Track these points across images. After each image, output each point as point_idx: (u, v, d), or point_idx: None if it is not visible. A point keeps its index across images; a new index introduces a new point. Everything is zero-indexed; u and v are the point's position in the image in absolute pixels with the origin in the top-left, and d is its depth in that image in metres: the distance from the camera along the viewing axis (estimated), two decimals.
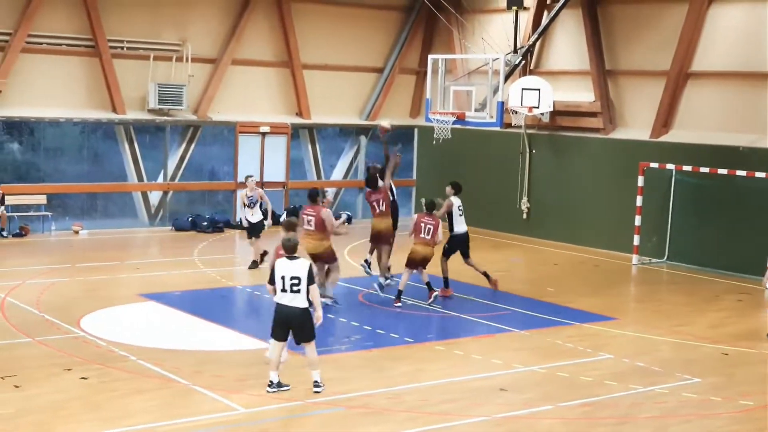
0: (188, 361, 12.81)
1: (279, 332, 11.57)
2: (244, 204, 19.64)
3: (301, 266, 11.40)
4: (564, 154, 24.85)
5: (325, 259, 16.23)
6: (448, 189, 17.97)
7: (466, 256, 18.07)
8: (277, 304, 11.51)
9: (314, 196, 16.42)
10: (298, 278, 11.31)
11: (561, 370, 13.13)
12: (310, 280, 11.38)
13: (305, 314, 11.46)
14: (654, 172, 21.83)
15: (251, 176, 20.03)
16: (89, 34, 23.44)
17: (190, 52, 24.63)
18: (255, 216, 19.60)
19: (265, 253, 19.02)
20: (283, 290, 11.38)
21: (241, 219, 20.35)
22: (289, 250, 11.49)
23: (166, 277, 18.30)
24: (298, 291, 11.31)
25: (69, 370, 12.21)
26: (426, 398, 11.69)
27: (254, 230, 19.63)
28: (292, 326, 11.50)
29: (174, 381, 11.96)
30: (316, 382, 11.58)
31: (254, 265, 19.58)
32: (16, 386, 11.50)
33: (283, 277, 11.35)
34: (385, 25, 28.01)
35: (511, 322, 15.89)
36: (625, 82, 23.96)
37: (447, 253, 17.83)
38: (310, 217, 16.15)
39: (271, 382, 11.63)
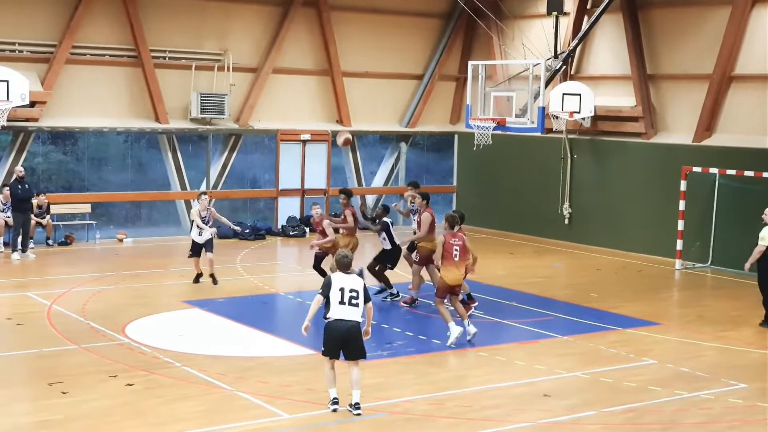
0: (232, 368, 12.90)
1: (334, 349, 11.29)
2: (196, 224, 18.33)
3: (358, 281, 11.31)
4: (606, 159, 24.72)
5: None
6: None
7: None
8: (332, 320, 11.21)
9: (461, 219, 15.32)
10: (357, 291, 11.20)
11: (604, 375, 13.05)
12: (367, 296, 11.32)
13: (359, 329, 11.31)
14: (697, 177, 21.65)
15: (204, 194, 18.87)
16: (132, 45, 23.72)
17: (232, 62, 24.83)
18: (204, 236, 18.27)
19: (198, 275, 18.60)
20: (341, 302, 11.15)
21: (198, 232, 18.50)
22: (345, 267, 11.35)
23: (210, 284, 18.43)
24: (357, 305, 11.19)
25: (115, 376, 12.35)
26: (469, 404, 11.68)
27: (200, 247, 18.36)
28: (347, 341, 11.22)
29: (218, 387, 12.05)
30: (357, 404, 11.18)
31: (197, 279, 18.61)
32: (63, 392, 11.66)
33: (342, 289, 11.16)
34: (425, 32, 28.05)
35: (554, 327, 15.82)
36: (667, 87, 23.79)
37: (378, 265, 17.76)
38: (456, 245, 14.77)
39: (335, 399, 11.30)
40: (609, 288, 19.56)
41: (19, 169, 21.63)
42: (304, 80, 26.51)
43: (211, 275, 18.44)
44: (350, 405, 11.21)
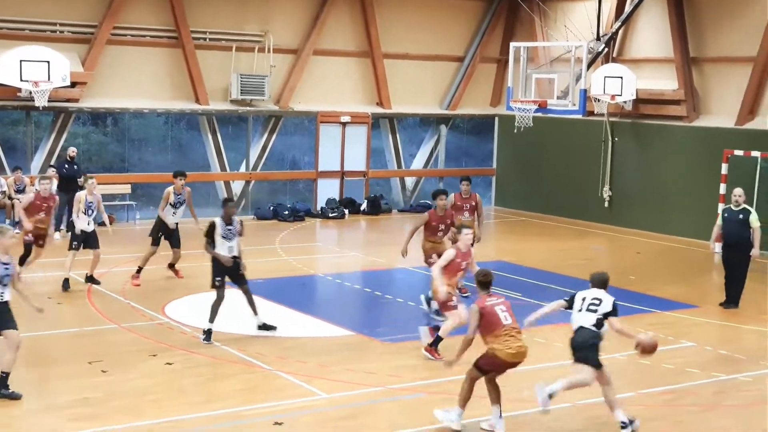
0: (271, 348, 12.97)
1: (597, 361, 10.24)
2: (81, 210, 16.37)
3: (605, 294, 10.55)
4: (647, 142, 24.50)
5: None
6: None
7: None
8: (577, 328, 10.40)
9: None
10: (600, 300, 10.45)
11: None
12: (616, 310, 10.33)
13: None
14: (739, 160, 21.37)
15: (92, 178, 16.90)
16: (173, 26, 23.81)
17: (272, 43, 24.85)
18: (90, 225, 16.49)
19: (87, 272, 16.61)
20: (580, 310, 10.50)
21: (73, 223, 16.51)
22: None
23: (249, 264, 18.38)
24: (594, 311, 10.42)
25: (154, 356, 12.45)
26: (507, 384, 11.63)
27: (90, 240, 16.47)
28: (590, 350, 10.27)
29: (258, 366, 12.13)
30: (623, 422, 10.09)
31: (91, 279, 16.44)
32: (104, 371, 11.78)
33: (584, 299, 10.53)
34: (466, 14, 27.89)
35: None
36: (710, 69, 23.51)
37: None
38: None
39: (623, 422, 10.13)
40: (648, 271, 19.41)
41: (71, 149, 21.82)
42: (345, 62, 26.48)
43: (90, 276, 16.39)
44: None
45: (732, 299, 16.28)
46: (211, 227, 13.44)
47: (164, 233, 17.00)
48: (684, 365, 12.59)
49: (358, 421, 10.41)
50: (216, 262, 13.48)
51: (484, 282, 10.52)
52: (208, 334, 13.13)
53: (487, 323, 10.21)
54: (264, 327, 13.75)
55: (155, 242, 16.90)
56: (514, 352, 10.19)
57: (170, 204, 16.86)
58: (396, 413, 10.70)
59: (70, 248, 16.19)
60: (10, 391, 10.65)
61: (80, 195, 16.47)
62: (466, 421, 10.24)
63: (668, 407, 11.06)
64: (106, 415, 10.30)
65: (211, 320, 13.18)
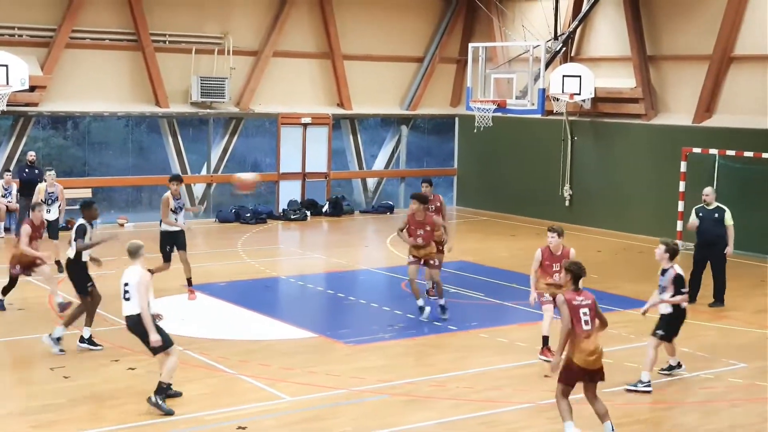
0: (234, 351, 12.95)
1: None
2: (42, 201, 17.14)
3: None
4: (606, 141, 24.72)
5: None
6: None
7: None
8: None
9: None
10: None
11: (605, 356, 13.02)
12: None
13: None
14: (697, 158, 21.62)
15: (51, 170, 18.01)
16: (132, 29, 23.68)
17: (232, 45, 24.80)
18: (52, 214, 17.46)
19: (58, 262, 16.88)
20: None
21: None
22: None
23: (211, 267, 18.47)
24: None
25: (116, 361, 12.40)
26: (470, 385, 11.73)
27: (51, 229, 17.20)
28: None
29: (220, 370, 12.11)
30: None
31: (60, 267, 16.67)
32: (66, 377, 11.71)
33: None
34: (425, 15, 27.99)
35: (555, 309, 15.81)
36: (667, 68, 23.76)
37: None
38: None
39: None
40: (610, 269, 19.57)
41: (30, 153, 21.67)
42: (305, 63, 26.47)
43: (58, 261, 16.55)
44: None
45: (718, 298, 16.39)
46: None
47: (174, 244, 16.01)
48: None
49: (322, 424, 10.43)
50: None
51: (578, 275, 10.02)
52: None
53: (571, 321, 9.86)
54: None
55: (167, 258, 15.97)
56: (587, 357, 9.83)
57: (171, 210, 16.07)
58: (360, 415, 10.73)
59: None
60: None
61: (40, 186, 17.44)
62: None
63: (631, 405, 11.19)
64: (68, 422, 10.24)
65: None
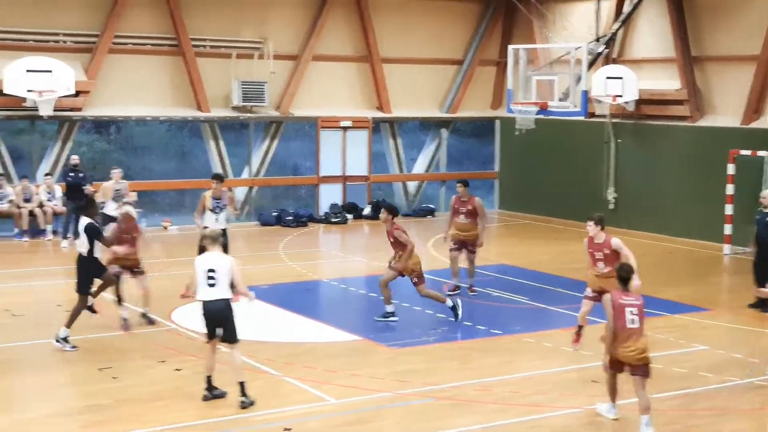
0: (279, 353, 12.94)
1: None
2: (110, 197, 18.32)
3: None
4: (650, 143, 24.46)
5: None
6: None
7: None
8: None
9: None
10: None
11: (653, 361, 12.83)
12: None
13: None
14: (745, 160, 21.31)
15: (117, 168, 19.27)
16: (173, 34, 23.81)
17: (272, 50, 24.84)
18: (116, 210, 16.95)
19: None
20: None
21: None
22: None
23: (253, 270, 18.48)
24: None
25: (163, 361, 12.44)
26: (516, 390, 11.62)
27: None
28: None
29: (266, 372, 12.09)
30: None
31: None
32: (114, 377, 11.76)
33: None
34: (464, 17, 27.89)
35: (600, 313, 15.56)
36: (713, 69, 23.46)
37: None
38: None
39: None
40: (655, 273, 19.31)
41: (74, 157, 21.88)
42: (344, 67, 26.47)
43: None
44: None
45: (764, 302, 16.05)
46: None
47: None
48: (696, 369, 12.53)
49: (367, 426, 10.38)
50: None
51: (622, 277, 10.46)
52: None
53: (614, 318, 10.24)
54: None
55: None
56: (629, 354, 10.22)
57: (209, 209, 16.18)
58: (404, 418, 10.66)
59: None
60: None
61: (107, 185, 18.53)
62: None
63: (681, 411, 11.01)
64: (116, 422, 10.28)
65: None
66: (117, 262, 14.26)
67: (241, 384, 10.80)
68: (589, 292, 13.10)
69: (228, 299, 10.89)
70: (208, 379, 10.98)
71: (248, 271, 18.42)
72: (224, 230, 15.83)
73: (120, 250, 14.11)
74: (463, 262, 16.98)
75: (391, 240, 14.89)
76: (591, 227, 12.89)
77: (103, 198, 18.06)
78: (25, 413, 10.57)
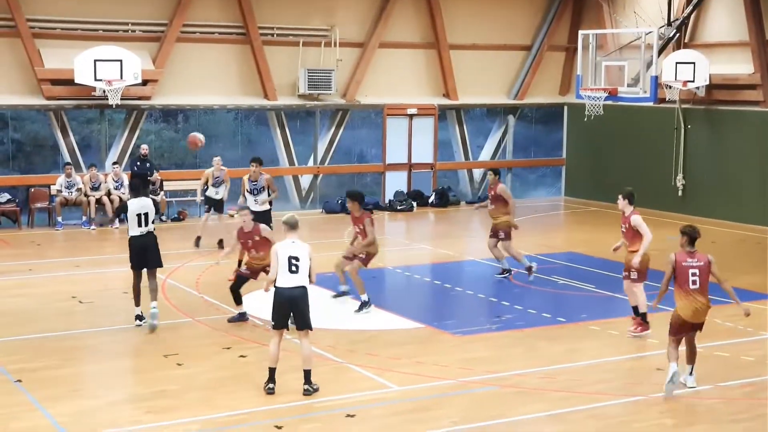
0: (342, 340, 12.99)
1: None
2: (210, 183, 19.69)
3: None
4: (721, 129, 24.02)
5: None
6: None
7: None
8: None
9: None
10: None
11: (721, 349, 12.71)
12: None
13: None
14: None
15: (217, 157, 20.10)
16: (240, 22, 23.98)
17: (338, 37, 24.88)
18: (219, 194, 19.72)
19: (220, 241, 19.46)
20: None
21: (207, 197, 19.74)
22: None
23: (319, 258, 18.41)
24: None
25: (228, 348, 12.56)
26: (580, 378, 11.53)
27: (218, 205, 19.84)
28: None
29: (329, 359, 12.15)
30: None
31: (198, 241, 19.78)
32: (179, 364, 11.91)
33: None
34: (533, 2, 27.62)
35: (667, 301, 15.36)
36: None
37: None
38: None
39: None
40: (725, 260, 18.72)
41: (143, 147, 22.21)
42: (411, 54, 26.40)
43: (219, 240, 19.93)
44: None
45: None
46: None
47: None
48: (764, 357, 12.32)
49: (430, 414, 10.37)
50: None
51: (690, 235, 11.19)
52: None
53: (677, 278, 11.04)
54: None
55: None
56: (691, 313, 10.97)
57: (247, 191, 17.50)
58: (468, 406, 10.63)
59: (206, 212, 19.87)
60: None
61: (207, 171, 19.57)
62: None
63: (749, 400, 10.82)
64: (182, 407, 10.42)
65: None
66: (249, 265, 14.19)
67: (307, 372, 10.86)
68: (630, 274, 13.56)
69: (303, 287, 10.91)
70: (272, 372, 10.92)
71: (314, 258, 18.52)
72: (264, 212, 17.11)
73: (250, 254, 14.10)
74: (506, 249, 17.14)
75: (358, 228, 14.95)
76: (619, 202, 13.75)
77: (204, 183, 19.54)
78: (92, 399, 10.75)
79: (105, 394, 10.91)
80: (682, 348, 11.14)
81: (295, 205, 25.41)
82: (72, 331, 13.49)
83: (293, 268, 10.83)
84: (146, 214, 13.47)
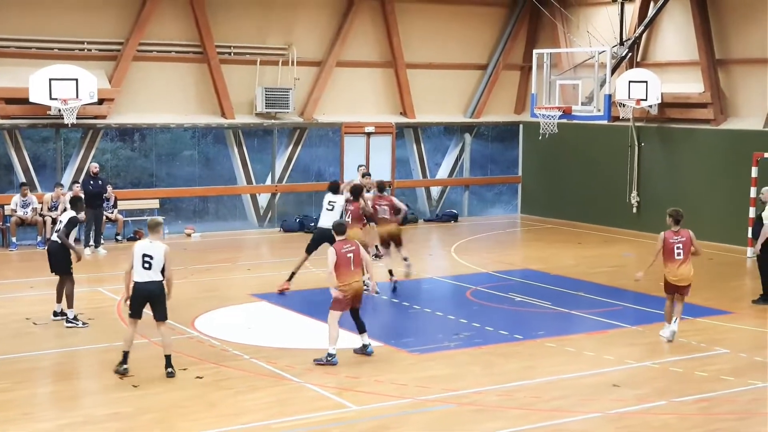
0: (300, 360, 12.96)
1: None
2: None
3: None
4: (674, 147, 24.35)
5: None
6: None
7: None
8: None
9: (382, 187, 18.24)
10: None
11: (675, 365, 12.86)
12: None
13: None
14: None
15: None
16: (197, 41, 23.93)
17: (296, 56, 24.92)
18: None
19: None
20: None
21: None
22: None
23: (277, 277, 18.53)
24: None
25: (185, 369, 12.47)
26: (538, 395, 11.60)
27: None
28: None
29: (287, 379, 12.12)
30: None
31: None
32: (134, 386, 11.81)
33: None
34: (489, 22, 27.87)
35: (622, 317, 15.63)
36: (737, 71, 23.33)
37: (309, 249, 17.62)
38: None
39: None
40: None
41: (93, 165, 22.02)
42: (368, 73, 26.51)
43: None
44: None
45: (764, 296, 16.39)
46: None
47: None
48: (718, 372, 12.47)
49: None
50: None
51: (674, 217, 14.11)
52: None
53: (664, 252, 13.91)
54: None
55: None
56: (675, 278, 13.88)
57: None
58: (427, 424, 10.65)
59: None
60: None
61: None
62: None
63: (703, 415, 10.95)
64: (137, 429, 10.34)
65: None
66: None
67: (168, 357, 12.17)
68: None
69: (160, 281, 12.15)
70: (126, 355, 12.25)
71: (271, 277, 18.55)
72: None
73: None
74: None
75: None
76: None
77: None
78: (44, 423, 10.60)
79: (57, 417, 10.76)
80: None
81: (253, 223, 25.35)
82: (24, 354, 13.31)
83: (146, 265, 12.02)
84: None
